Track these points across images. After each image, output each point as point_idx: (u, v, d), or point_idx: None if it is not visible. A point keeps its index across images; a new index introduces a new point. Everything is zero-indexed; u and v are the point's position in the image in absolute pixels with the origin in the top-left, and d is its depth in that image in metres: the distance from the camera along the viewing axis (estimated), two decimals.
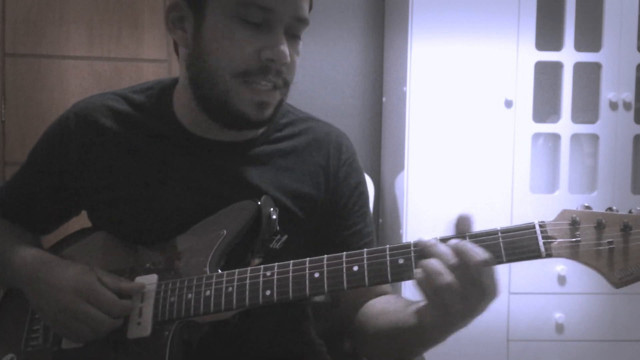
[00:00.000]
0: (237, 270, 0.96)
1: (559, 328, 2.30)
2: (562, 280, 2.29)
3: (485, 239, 0.87)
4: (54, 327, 1.03)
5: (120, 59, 2.36)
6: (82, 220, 1.20)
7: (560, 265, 2.28)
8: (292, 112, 1.18)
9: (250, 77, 1.00)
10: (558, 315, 2.29)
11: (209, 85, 1.03)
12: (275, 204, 1.08)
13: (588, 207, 0.85)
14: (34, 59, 2.32)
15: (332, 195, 1.14)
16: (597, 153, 2.30)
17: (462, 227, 0.88)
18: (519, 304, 2.29)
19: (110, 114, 1.13)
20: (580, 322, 2.30)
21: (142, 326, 0.99)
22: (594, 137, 2.31)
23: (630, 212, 0.83)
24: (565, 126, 2.28)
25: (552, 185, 2.37)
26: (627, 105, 2.27)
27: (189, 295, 0.97)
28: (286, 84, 1.05)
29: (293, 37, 1.04)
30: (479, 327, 2.26)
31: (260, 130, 1.12)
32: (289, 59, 1.01)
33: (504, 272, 2.27)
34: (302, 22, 1.03)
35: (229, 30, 1.00)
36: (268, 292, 0.93)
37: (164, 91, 1.14)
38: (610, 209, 0.84)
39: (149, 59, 2.36)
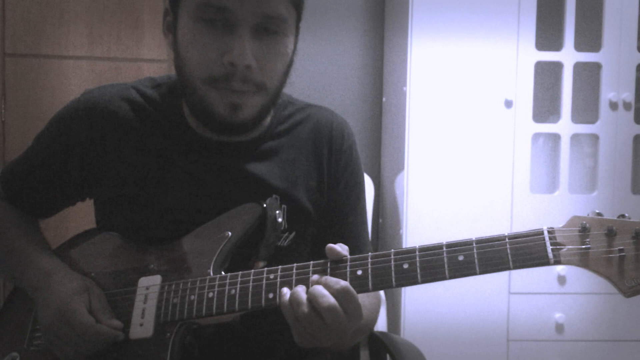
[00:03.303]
0: (240, 272, 0.96)
1: (559, 328, 2.30)
2: (562, 280, 2.29)
3: (492, 244, 0.86)
4: (45, 342, 1.04)
5: (120, 59, 2.36)
6: (84, 217, 1.19)
7: (560, 265, 2.27)
8: (293, 102, 1.18)
9: (217, 82, 0.99)
10: (558, 315, 2.29)
11: (189, 91, 1.03)
12: (286, 198, 1.07)
13: (599, 214, 0.84)
14: (34, 59, 2.32)
15: (332, 183, 1.14)
16: (597, 153, 2.30)
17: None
18: (519, 304, 2.29)
19: (122, 105, 1.11)
20: (580, 322, 2.30)
21: (145, 327, 0.98)
22: (594, 137, 2.31)
23: None
24: (565, 126, 2.29)
25: (552, 185, 2.37)
26: (627, 105, 2.28)
27: (192, 297, 0.97)
28: (262, 88, 1.01)
29: (268, 35, 0.99)
30: (479, 327, 2.27)
31: (265, 126, 1.11)
32: (250, 61, 0.97)
33: (503, 272, 2.26)
34: (273, 18, 0.98)
35: (194, 35, 0.99)
36: (271, 295, 0.92)
37: (174, 89, 1.13)
38: (622, 215, 0.83)
39: (149, 59, 2.36)
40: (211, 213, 1.05)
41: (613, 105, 2.28)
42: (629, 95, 2.27)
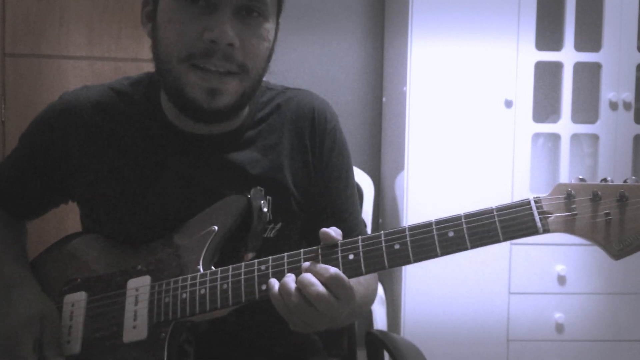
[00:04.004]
0: (230, 266, 0.95)
1: (559, 328, 2.29)
2: (562, 280, 2.29)
3: (480, 218, 0.85)
4: None
5: (120, 59, 2.35)
6: (65, 220, 1.18)
7: (560, 265, 2.28)
8: (271, 88, 1.16)
9: (195, 60, 0.97)
10: (558, 315, 2.29)
11: (165, 73, 1.01)
12: (272, 184, 1.07)
13: (582, 180, 0.84)
14: (34, 59, 2.32)
15: (319, 165, 1.13)
16: (597, 153, 2.30)
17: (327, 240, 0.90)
18: (519, 304, 2.29)
19: (99, 107, 1.11)
20: (580, 322, 2.30)
21: (138, 329, 0.97)
22: (594, 137, 2.31)
23: (625, 181, 0.82)
24: (565, 126, 2.28)
25: (552, 185, 2.35)
26: (627, 105, 2.27)
27: (184, 295, 0.96)
28: (245, 70, 1.00)
29: (250, 17, 0.99)
30: (479, 327, 2.27)
31: (244, 115, 1.10)
32: (232, 40, 0.96)
33: (504, 272, 2.27)
34: (256, 0, 0.98)
35: (174, 13, 0.98)
36: (264, 287, 0.91)
37: (151, 84, 1.12)
38: (605, 179, 0.83)
39: (149, 59, 2.33)
40: (196, 208, 1.04)
41: (613, 105, 2.28)
42: (629, 95, 2.27)
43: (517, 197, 2.25)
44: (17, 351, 0.97)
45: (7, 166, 1.19)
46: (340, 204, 1.15)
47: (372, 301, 1.17)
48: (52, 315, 1.02)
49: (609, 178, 0.83)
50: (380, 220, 2.66)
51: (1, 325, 1.00)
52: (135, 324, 0.98)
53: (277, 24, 1.06)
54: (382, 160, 2.72)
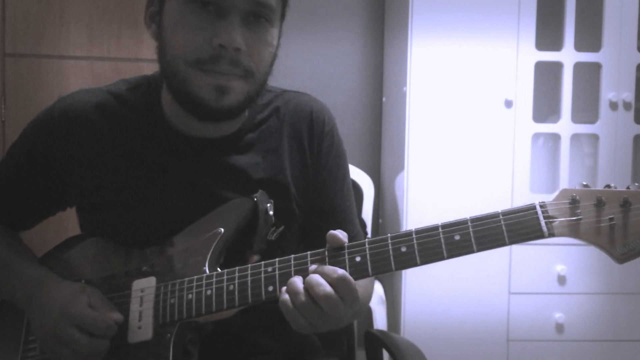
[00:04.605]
0: (237, 268, 0.95)
1: (559, 328, 2.30)
2: (562, 280, 2.29)
3: (486, 222, 0.87)
4: (45, 351, 1.03)
5: (120, 59, 2.35)
6: (66, 222, 1.17)
7: (560, 265, 2.28)
8: (269, 90, 1.16)
9: (203, 65, 0.98)
10: (558, 315, 2.29)
11: (171, 75, 1.01)
12: (274, 186, 1.07)
13: (586, 185, 0.86)
14: (34, 59, 2.32)
15: (317, 168, 1.14)
16: (597, 153, 2.30)
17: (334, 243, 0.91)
18: (519, 304, 2.29)
19: (98, 111, 1.10)
20: (580, 322, 2.30)
21: (143, 330, 0.98)
22: (594, 137, 2.31)
23: (628, 188, 0.84)
24: (565, 126, 2.29)
25: (552, 185, 2.36)
26: (627, 105, 2.28)
27: (190, 296, 0.96)
28: (250, 74, 1.01)
29: (257, 23, 1.00)
30: (479, 327, 2.27)
31: (244, 118, 1.10)
32: (240, 45, 0.97)
33: (504, 272, 2.27)
34: (264, 7, 1.00)
35: (183, 17, 0.98)
36: (270, 288, 0.92)
37: (151, 88, 1.12)
38: (608, 186, 0.85)
39: (148, 59, 2.36)
40: (198, 211, 1.04)
41: (613, 105, 2.28)
42: (629, 95, 2.27)
43: (517, 197, 2.25)
44: (84, 318, 0.97)
45: (2, 176, 1.16)
46: (337, 205, 1.16)
47: (368, 302, 1.18)
48: (89, 286, 1.03)
49: (612, 184, 0.86)
50: (380, 221, 2.66)
51: (51, 309, 1.00)
52: (141, 324, 0.98)
53: (280, 29, 1.07)
54: (382, 160, 2.72)
